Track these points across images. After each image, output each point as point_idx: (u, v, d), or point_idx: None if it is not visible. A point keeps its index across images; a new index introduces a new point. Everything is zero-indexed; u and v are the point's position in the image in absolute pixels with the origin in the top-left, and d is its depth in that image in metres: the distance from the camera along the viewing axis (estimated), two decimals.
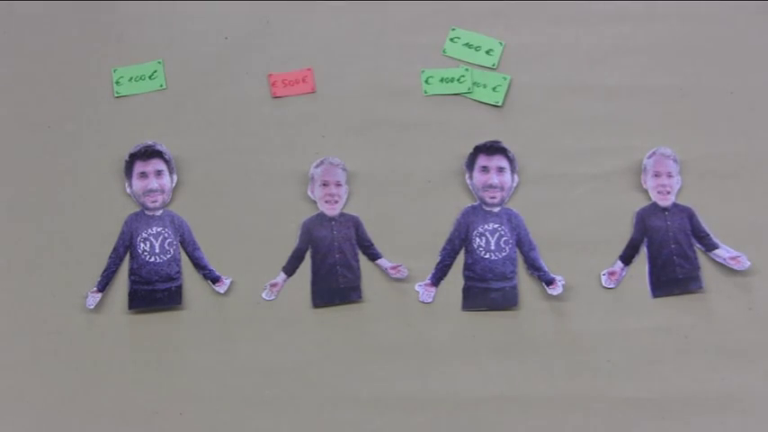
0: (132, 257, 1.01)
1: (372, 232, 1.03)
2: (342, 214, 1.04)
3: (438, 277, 1.00)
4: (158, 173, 1.05)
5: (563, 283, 0.98)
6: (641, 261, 1.01)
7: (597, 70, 1.14)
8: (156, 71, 1.14)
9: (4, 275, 1.01)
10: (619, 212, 1.04)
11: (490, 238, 1.01)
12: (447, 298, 1.00)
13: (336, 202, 1.04)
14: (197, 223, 1.04)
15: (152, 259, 1.00)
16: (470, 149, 1.06)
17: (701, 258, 1.01)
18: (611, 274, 0.99)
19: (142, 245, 1.01)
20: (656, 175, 1.04)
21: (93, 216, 1.04)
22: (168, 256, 1.01)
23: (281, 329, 0.97)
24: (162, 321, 0.98)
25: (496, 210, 1.03)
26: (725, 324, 0.96)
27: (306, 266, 1.02)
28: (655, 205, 1.03)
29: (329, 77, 1.14)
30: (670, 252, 1.00)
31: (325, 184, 1.05)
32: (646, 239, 1.01)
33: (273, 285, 0.99)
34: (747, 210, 1.04)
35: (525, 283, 1.00)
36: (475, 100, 1.11)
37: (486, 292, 0.99)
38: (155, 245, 1.01)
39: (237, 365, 0.95)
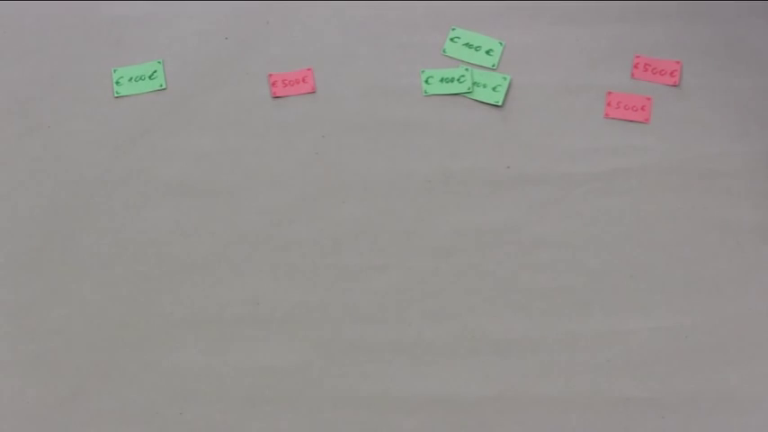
0: None
1: (372, 232, 1.03)
2: None
3: None
4: None
5: None
6: (641, 259, 1.01)
7: (597, 70, 1.14)
8: (155, 71, 1.14)
9: (4, 275, 1.01)
10: (619, 212, 1.04)
11: None
12: (447, 297, 0.99)
13: None
14: (195, 225, 1.04)
15: None
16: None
17: (705, 260, 1.00)
18: None
19: None
20: None
21: (95, 215, 1.04)
22: None
23: (281, 329, 0.97)
24: (163, 321, 0.98)
25: None
26: (725, 324, 0.96)
27: None
28: None
29: (329, 77, 1.14)
30: None
31: None
32: None
33: None
34: (747, 210, 1.04)
35: (525, 282, 1.00)
36: (475, 100, 1.11)
37: None
38: None
39: (237, 365, 0.95)
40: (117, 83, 1.12)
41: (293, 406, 0.93)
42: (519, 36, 1.16)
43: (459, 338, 0.96)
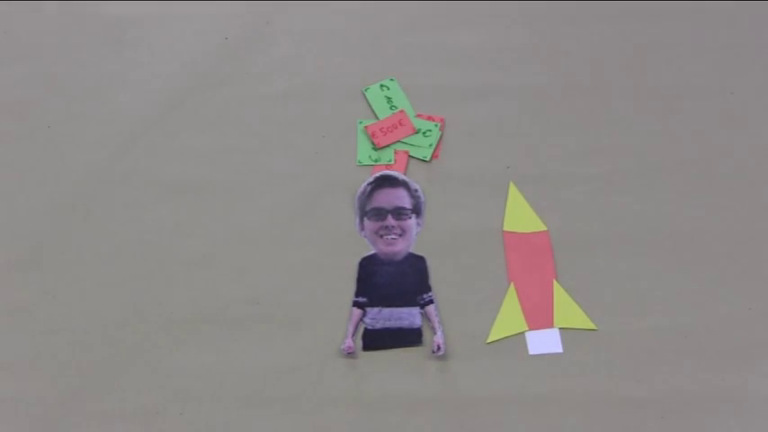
0: None
1: None
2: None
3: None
4: None
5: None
6: (642, 259, 1.01)
7: (596, 70, 1.14)
8: None
9: (4, 275, 1.01)
10: (619, 212, 1.04)
11: None
12: (447, 296, 0.99)
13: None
14: (195, 225, 1.04)
15: None
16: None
17: (705, 259, 1.00)
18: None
19: None
20: None
21: (95, 215, 1.04)
22: None
23: (281, 329, 0.97)
24: (163, 321, 0.98)
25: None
26: (725, 324, 0.96)
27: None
28: None
29: (329, 77, 1.14)
30: None
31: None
32: None
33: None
34: (747, 210, 1.04)
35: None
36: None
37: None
38: None
39: (237, 365, 0.95)
40: None
41: (293, 406, 0.93)
42: (518, 36, 1.16)
43: (459, 338, 0.96)
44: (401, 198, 1.04)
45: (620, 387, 0.93)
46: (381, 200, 1.04)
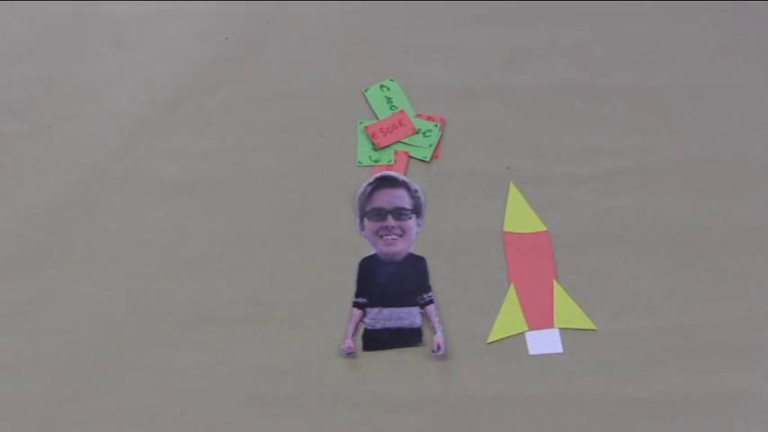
0: None
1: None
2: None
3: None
4: None
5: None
6: (641, 259, 1.01)
7: (596, 70, 1.14)
8: None
9: (4, 275, 1.01)
10: (619, 212, 1.04)
11: None
12: (447, 296, 0.99)
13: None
14: (195, 225, 1.04)
15: None
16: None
17: (705, 259, 1.00)
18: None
19: None
20: None
21: (95, 215, 1.04)
22: None
23: (281, 329, 0.97)
24: (163, 321, 0.98)
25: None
26: (725, 324, 0.96)
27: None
28: None
29: (329, 77, 1.14)
30: None
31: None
32: None
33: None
34: (747, 210, 1.04)
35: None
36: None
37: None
38: None
39: (237, 365, 0.95)
40: None
41: (293, 406, 0.93)
42: (519, 36, 1.16)
43: (459, 338, 0.96)
44: (401, 198, 1.04)
45: (620, 387, 0.93)
46: (381, 200, 1.04)
